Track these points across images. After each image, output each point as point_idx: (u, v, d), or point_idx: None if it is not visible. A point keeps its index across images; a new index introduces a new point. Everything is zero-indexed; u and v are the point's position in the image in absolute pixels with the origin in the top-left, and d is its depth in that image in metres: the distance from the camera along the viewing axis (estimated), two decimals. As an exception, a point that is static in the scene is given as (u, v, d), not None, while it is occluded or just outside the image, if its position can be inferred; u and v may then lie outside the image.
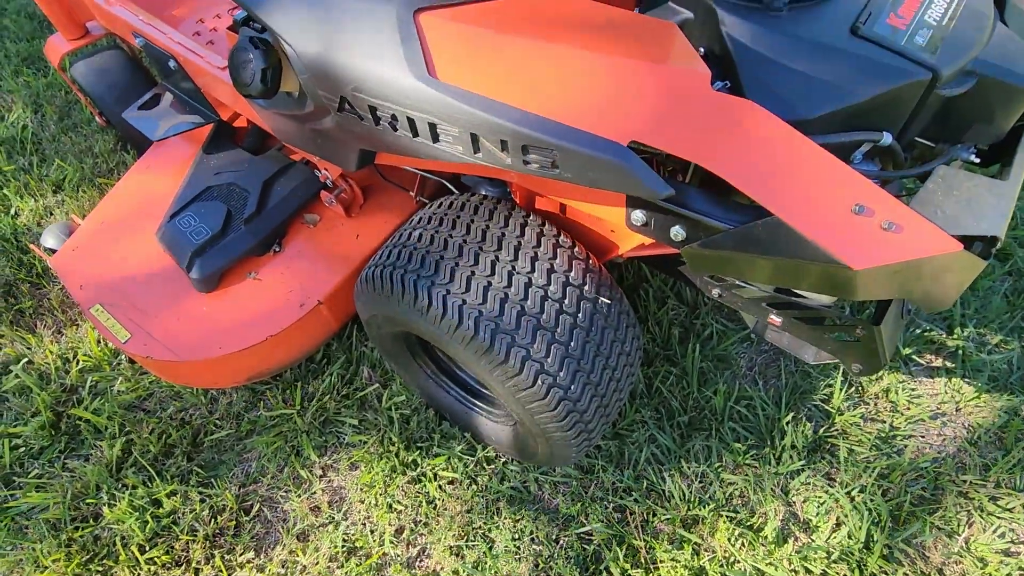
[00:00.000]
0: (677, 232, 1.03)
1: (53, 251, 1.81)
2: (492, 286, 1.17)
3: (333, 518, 1.56)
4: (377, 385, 1.74)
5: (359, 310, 1.46)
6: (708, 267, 0.99)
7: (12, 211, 2.17)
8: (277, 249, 1.71)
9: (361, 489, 1.59)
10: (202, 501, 1.59)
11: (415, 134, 1.01)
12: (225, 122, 1.89)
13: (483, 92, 0.91)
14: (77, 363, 1.82)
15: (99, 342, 1.84)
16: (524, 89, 0.90)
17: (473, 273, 1.18)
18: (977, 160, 1.14)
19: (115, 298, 1.66)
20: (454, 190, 1.66)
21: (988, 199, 0.94)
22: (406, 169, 1.72)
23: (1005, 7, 1.12)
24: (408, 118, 0.98)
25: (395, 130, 1.03)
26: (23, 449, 1.69)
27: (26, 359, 1.83)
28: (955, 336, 1.78)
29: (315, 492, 1.60)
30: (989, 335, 1.79)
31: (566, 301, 1.20)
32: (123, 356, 1.83)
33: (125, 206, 1.86)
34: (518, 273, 1.19)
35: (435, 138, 0.99)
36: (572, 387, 1.20)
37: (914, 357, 1.75)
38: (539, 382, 1.17)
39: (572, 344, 1.19)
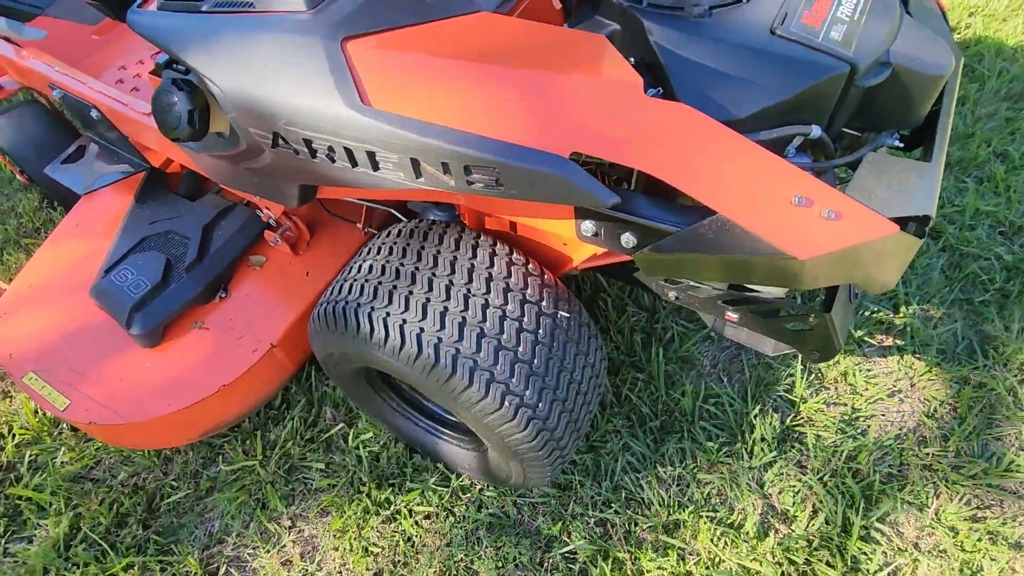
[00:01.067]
0: (628, 239, 1.04)
1: (-22, 320, 1.70)
2: (449, 311, 1.15)
3: (307, 571, 1.49)
4: (342, 424, 1.69)
5: (314, 349, 1.41)
6: (661, 271, 0.99)
7: (-71, 282, 2.02)
8: (223, 295, 1.65)
9: (334, 536, 1.53)
10: (163, 570, 1.49)
11: (354, 164, 0.99)
12: (157, 169, 1.82)
13: (419, 116, 0.90)
14: (13, 438, 1.69)
15: (36, 412, 1.72)
16: (461, 110, 0.89)
17: (428, 300, 1.16)
18: (901, 145, 1.19)
19: (49, 364, 1.56)
20: (402, 217, 1.63)
21: (916, 181, 0.98)
22: (351, 201, 1.69)
23: (908, -1, 1.19)
24: (345, 148, 0.96)
25: (333, 161, 1.01)
26: (-43, 539, 1.56)
27: (-45, 440, 1.70)
28: (901, 314, 1.85)
29: (285, 545, 1.52)
30: (932, 310, 1.86)
31: (525, 319, 1.19)
32: (64, 425, 1.72)
33: (54, 266, 1.76)
34: (474, 295, 1.17)
35: (375, 166, 0.97)
36: (540, 405, 1.18)
37: (866, 339, 1.81)
38: (506, 403, 1.14)
39: (536, 362, 1.17)
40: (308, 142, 0.99)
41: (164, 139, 1.51)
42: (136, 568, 1.49)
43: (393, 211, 1.65)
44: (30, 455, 1.66)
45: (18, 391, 1.79)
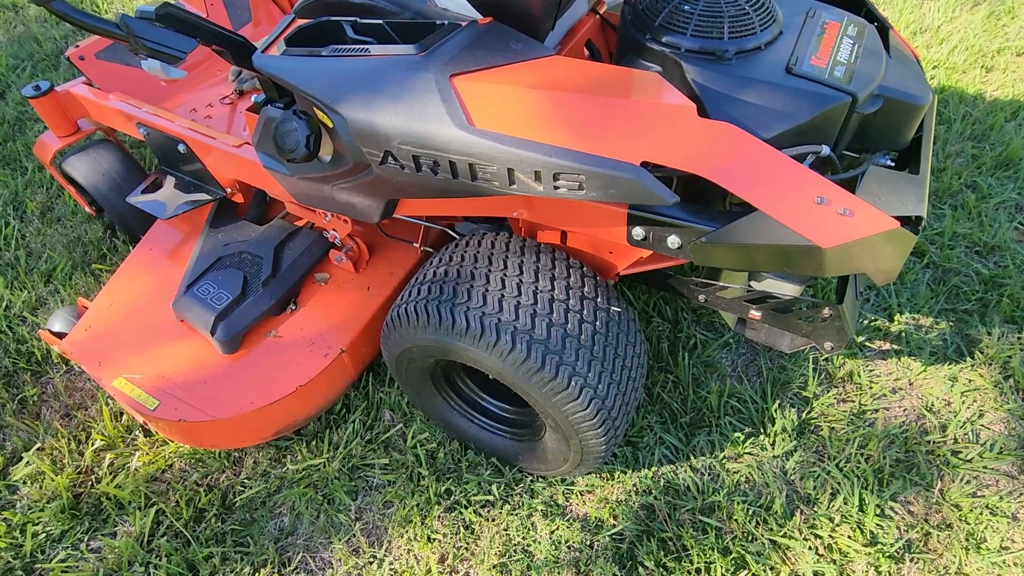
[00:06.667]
0: (673, 240, 1.25)
1: (62, 335, 1.84)
2: (522, 304, 1.34)
3: (376, 556, 1.61)
4: (400, 426, 1.83)
5: (387, 349, 1.58)
6: (711, 260, 1.20)
7: (4, 304, 2.16)
8: (294, 308, 1.82)
9: (399, 524, 1.65)
10: (242, 559, 1.60)
11: (455, 176, 1.20)
12: (227, 197, 2.01)
13: (517, 134, 1.12)
14: (92, 444, 1.81)
15: (113, 419, 1.85)
16: (550, 129, 1.11)
17: (503, 296, 1.35)
18: (892, 164, 1.44)
19: (137, 369, 1.70)
20: (455, 235, 1.84)
21: (909, 189, 1.21)
22: (407, 223, 1.90)
23: (888, 45, 1.46)
24: (450, 162, 1.17)
25: (435, 174, 1.21)
26: (43, 536, 1.65)
27: (36, 446, 1.81)
28: (896, 322, 2.07)
29: (354, 534, 1.65)
30: (922, 319, 2.09)
31: (585, 312, 1.38)
32: (137, 432, 1.84)
33: (133, 286, 1.93)
34: (542, 292, 1.37)
35: (473, 177, 1.18)
36: (600, 386, 1.36)
37: (867, 344, 2.02)
38: (572, 383, 1.32)
39: (595, 348, 1.36)
40: (416, 158, 1.20)
41: (250, 168, 1.73)
42: (216, 558, 1.60)
43: (447, 230, 1.86)
44: (108, 459, 1.78)
45: (94, 402, 1.92)
